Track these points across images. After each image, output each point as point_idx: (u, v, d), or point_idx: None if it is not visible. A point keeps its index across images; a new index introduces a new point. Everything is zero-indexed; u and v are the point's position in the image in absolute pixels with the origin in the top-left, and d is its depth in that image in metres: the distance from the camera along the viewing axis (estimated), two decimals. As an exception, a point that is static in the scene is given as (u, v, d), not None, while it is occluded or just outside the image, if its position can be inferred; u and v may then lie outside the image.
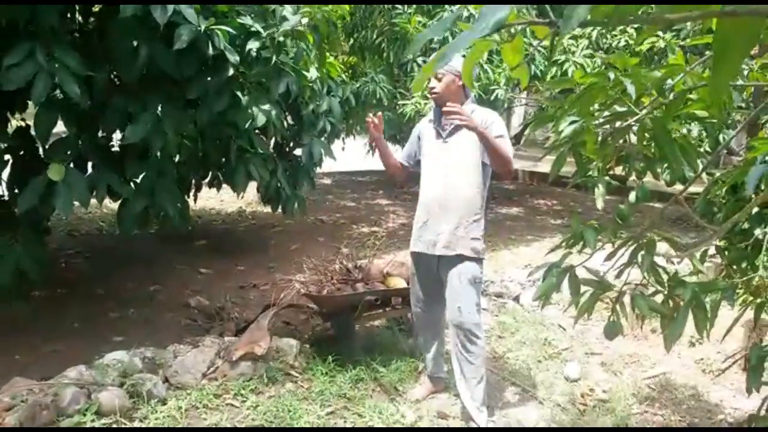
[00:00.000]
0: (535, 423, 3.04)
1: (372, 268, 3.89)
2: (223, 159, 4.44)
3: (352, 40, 7.83)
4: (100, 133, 3.81)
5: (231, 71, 3.58)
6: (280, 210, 5.25)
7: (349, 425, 2.89)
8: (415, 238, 3.00)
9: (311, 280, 3.75)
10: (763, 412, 1.56)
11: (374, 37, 7.30)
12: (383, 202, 9.51)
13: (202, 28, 3.25)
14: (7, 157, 3.59)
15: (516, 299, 4.86)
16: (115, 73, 3.68)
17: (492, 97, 6.82)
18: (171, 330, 3.98)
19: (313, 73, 4.89)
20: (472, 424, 2.87)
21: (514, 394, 3.33)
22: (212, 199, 8.17)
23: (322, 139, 5.52)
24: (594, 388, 3.44)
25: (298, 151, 5.63)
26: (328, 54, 5.09)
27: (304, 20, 3.82)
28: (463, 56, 2.83)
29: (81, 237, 6.17)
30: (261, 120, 3.89)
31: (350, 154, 10.80)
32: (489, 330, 4.18)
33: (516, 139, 11.31)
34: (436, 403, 3.16)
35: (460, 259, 2.83)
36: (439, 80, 2.83)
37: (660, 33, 6.22)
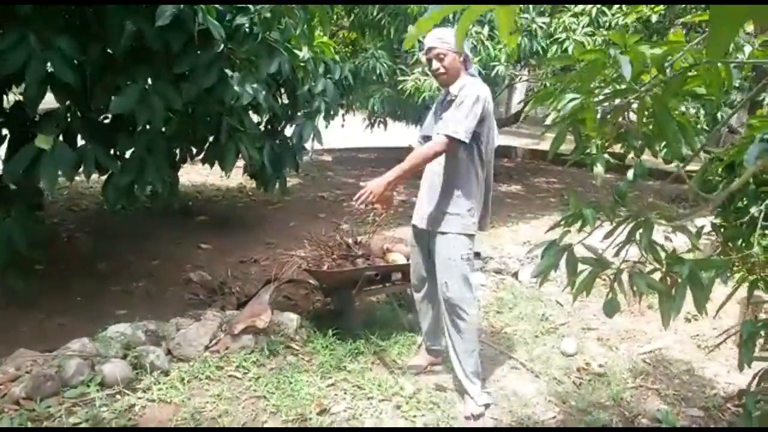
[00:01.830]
0: (531, 396, 3.09)
1: (372, 244, 3.92)
2: (213, 136, 4.44)
3: (352, 16, 7.77)
4: (90, 107, 3.81)
5: (219, 47, 3.57)
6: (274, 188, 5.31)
7: (348, 397, 2.94)
8: (415, 211, 3.06)
9: (311, 256, 3.78)
10: (753, 387, 1.60)
11: (374, 12, 7.24)
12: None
13: (182, 5, 3.22)
14: (5, 132, 3.60)
15: (514, 275, 4.91)
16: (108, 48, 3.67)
17: (492, 73, 6.79)
18: (173, 304, 4.02)
19: (305, 53, 4.86)
20: (467, 397, 2.93)
21: (511, 368, 3.39)
22: (212, 176, 8.18)
23: (320, 118, 5.53)
24: (590, 362, 3.50)
25: (289, 131, 5.64)
26: (319, 34, 5.05)
27: None
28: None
29: (82, 212, 6.19)
30: (247, 98, 3.87)
31: (350, 131, 10.77)
32: (487, 305, 4.22)
33: (516, 117, 11.27)
34: (434, 375, 3.22)
35: (447, 234, 2.85)
36: (441, 60, 2.78)
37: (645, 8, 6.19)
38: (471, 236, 2.89)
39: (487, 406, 2.90)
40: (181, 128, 4.05)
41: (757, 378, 1.67)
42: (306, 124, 5.35)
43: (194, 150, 4.98)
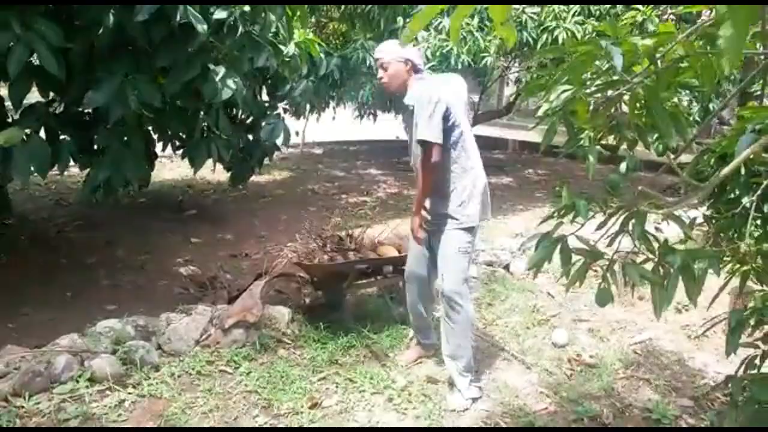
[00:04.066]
0: (522, 387, 3.10)
1: (364, 237, 3.90)
2: (187, 134, 4.41)
3: (342, 8, 7.73)
4: (70, 101, 3.77)
5: (201, 40, 3.53)
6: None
7: (340, 390, 2.94)
8: None
9: (303, 249, 3.76)
10: (740, 374, 1.60)
11: (364, 5, 7.21)
12: (374, 171, 9.50)
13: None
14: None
15: (506, 267, 4.91)
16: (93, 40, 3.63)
17: (481, 64, 6.78)
18: (163, 298, 4.00)
19: (291, 48, 4.84)
20: (454, 389, 2.94)
21: (502, 360, 3.39)
22: (203, 169, 8.14)
23: (307, 113, 5.63)
24: (581, 353, 3.51)
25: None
26: (302, 32, 5.04)
27: None
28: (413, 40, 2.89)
29: (71, 206, 6.14)
30: (226, 94, 3.83)
31: (341, 124, 10.74)
32: (479, 297, 4.23)
33: (507, 109, 11.26)
34: (425, 368, 3.22)
35: (444, 231, 2.89)
36: (386, 69, 2.90)
37: (640, 7, 6.16)
38: (468, 229, 2.88)
39: (474, 399, 2.91)
40: (159, 122, 4.02)
41: (744, 365, 1.68)
42: (277, 124, 5.41)
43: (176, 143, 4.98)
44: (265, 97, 5.85)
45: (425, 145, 2.73)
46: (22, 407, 2.55)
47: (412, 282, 3.17)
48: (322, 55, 6.03)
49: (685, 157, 1.57)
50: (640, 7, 6.14)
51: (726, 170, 1.19)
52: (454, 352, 2.93)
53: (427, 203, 2.91)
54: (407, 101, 2.89)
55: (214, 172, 6.98)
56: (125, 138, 3.75)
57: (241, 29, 3.69)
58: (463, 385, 2.92)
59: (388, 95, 3.04)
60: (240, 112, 5.35)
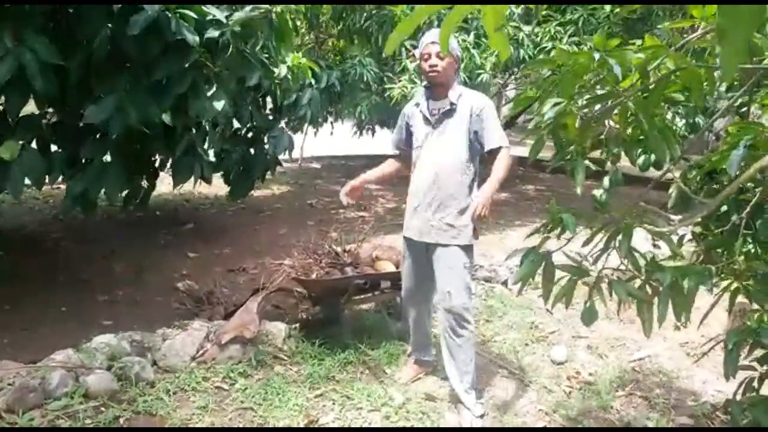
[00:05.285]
0: (521, 405, 3.08)
1: (361, 252, 3.90)
2: (172, 150, 4.42)
3: (341, 24, 7.79)
4: (66, 113, 3.80)
5: (193, 56, 3.53)
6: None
7: (337, 407, 2.91)
8: (407, 223, 3.01)
9: (300, 264, 3.75)
10: (739, 396, 1.59)
11: (362, 21, 7.27)
12: (372, 186, 9.49)
13: (156, 12, 3.20)
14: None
15: (504, 283, 4.90)
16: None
17: (477, 81, 6.82)
18: (159, 313, 3.98)
19: (282, 70, 4.87)
20: (461, 407, 2.90)
21: (501, 377, 3.37)
22: (200, 184, 8.14)
23: (306, 126, 5.66)
24: (580, 370, 3.49)
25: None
26: (296, 55, 5.07)
27: (265, 9, 3.77)
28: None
29: (67, 220, 6.13)
30: (212, 113, 3.82)
31: (339, 139, 10.76)
32: (477, 314, 4.21)
33: (506, 125, 11.29)
34: (423, 385, 3.19)
35: (454, 246, 2.84)
36: (442, 59, 2.75)
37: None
38: (472, 246, 2.88)
39: (482, 416, 2.89)
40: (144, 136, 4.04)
41: (742, 387, 1.67)
42: (281, 136, 5.42)
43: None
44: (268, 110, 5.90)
45: (499, 150, 2.79)
46: (16, 423, 2.53)
47: (415, 298, 3.14)
48: (319, 73, 6.08)
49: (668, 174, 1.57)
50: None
51: (733, 185, 1.19)
52: (461, 368, 2.89)
53: (440, 214, 2.83)
54: (452, 98, 2.81)
55: (209, 186, 6.98)
56: (111, 150, 3.76)
57: (232, 48, 3.71)
58: (471, 402, 2.88)
59: (436, 82, 2.86)
60: (240, 126, 5.37)
